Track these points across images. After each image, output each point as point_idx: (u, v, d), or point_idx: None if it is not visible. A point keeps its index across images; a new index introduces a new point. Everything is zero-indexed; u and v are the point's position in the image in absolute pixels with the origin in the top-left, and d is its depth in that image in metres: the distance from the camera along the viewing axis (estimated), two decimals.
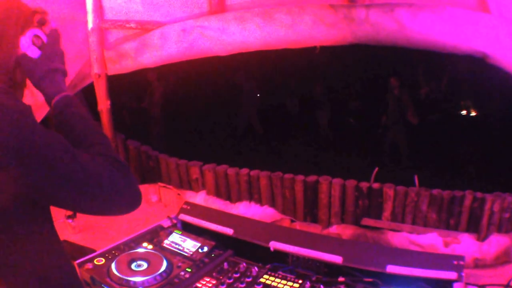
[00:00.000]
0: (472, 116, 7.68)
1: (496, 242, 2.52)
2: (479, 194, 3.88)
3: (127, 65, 3.37)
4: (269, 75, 8.81)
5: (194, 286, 1.59)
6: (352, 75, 8.49)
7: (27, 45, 1.13)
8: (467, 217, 3.89)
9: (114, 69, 3.49)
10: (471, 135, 6.60)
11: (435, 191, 3.73)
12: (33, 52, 1.14)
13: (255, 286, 1.58)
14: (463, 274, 1.61)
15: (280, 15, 2.77)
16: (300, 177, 2.86)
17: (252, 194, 3.53)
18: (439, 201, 3.74)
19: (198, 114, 8.51)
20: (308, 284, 1.56)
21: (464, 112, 7.77)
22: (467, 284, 1.71)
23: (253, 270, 1.67)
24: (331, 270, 1.71)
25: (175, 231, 2.04)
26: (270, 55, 3.50)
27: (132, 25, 3.15)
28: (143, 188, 3.26)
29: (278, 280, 1.61)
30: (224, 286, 1.58)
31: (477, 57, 2.75)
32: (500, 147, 5.80)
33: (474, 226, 3.85)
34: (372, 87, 7.87)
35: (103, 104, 3.81)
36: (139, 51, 3.20)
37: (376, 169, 2.93)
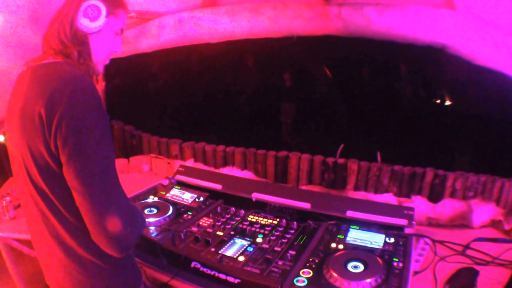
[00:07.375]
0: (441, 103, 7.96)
1: (451, 206, 2.62)
2: (440, 172, 4.14)
3: (126, 50, 3.69)
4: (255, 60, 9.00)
5: (196, 223, 1.99)
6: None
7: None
8: (428, 193, 4.21)
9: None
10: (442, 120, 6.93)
11: (396, 167, 3.76)
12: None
13: (244, 222, 2.01)
14: (413, 222, 1.96)
15: (266, 9, 3.15)
16: (272, 153, 3.00)
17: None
18: (400, 175, 3.91)
19: (183, 96, 8.72)
20: (284, 221, 2.00)
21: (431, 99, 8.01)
22: (418, 235, 1.99)
23: (241, 212, 2.10)
24: (301, 215, 2.11)
25: (174, 186, 2.43)
26: (254, 43, 3.82)
27: (133, 14, 3.40)
28: (136, 159, 3.55)
29: (261, 218, 2.05)
30: (220, 223, 1.99)
31: (437, 48, 3.09)
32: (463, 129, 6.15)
33: (435, 201, 4.21)
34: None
35: (99, 85, 4.18)
36: (138, 38, 3.50)
37: (342, 145, 3.15)
